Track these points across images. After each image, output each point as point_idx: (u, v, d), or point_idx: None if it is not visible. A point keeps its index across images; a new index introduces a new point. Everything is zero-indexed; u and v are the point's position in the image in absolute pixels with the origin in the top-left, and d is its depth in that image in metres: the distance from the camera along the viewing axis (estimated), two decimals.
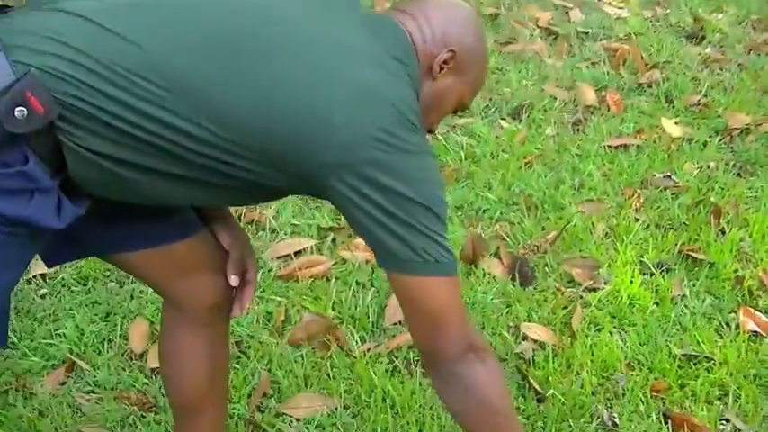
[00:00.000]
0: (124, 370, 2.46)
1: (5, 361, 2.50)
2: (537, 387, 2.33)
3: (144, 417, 2.30)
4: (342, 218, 3.07)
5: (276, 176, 1.42)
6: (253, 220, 3.04)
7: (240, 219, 3.03)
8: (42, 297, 2.73)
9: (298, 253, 2.87)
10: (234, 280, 1.69)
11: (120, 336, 2.55)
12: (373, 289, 2.72)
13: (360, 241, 2.94)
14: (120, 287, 2.75)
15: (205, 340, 1.77)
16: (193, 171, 1.40)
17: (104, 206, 1.51)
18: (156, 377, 2.42)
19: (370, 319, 2.60)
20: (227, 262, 1.70)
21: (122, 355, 2.50)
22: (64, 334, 2.57)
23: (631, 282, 2.68)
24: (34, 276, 2.77)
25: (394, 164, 1.40)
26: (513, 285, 2.72)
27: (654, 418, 2.24)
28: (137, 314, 2.62)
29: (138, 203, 1.51)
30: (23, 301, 2.71)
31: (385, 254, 1.46)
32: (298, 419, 2.29)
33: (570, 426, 2.23)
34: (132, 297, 2.69)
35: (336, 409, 2.31)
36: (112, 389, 2.39)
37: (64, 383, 2.45)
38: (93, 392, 2.41)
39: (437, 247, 1.45)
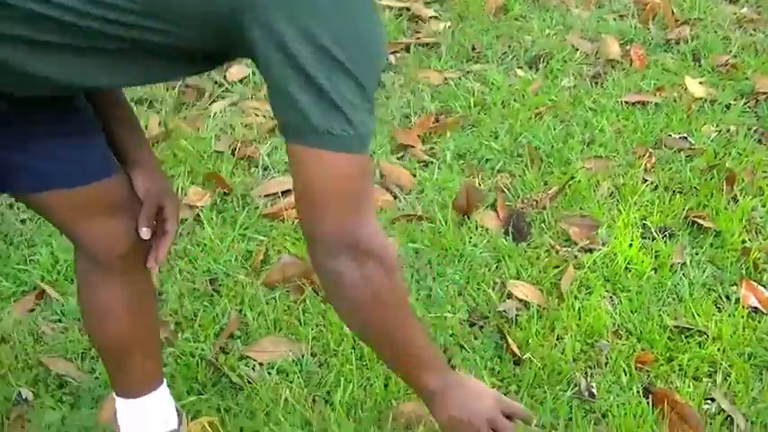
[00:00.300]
0: None
1: None
2: (515, 349, 2.15)
3: None
4: None
5: (175, 31, 1.20)
6: (246, 155, 2.87)
7: (233, 153, 2.87)
8: (22, 222, 2.60)
9: (286, 192, 2.70)
10: (145, 233, 1.51)
11: None
12: None
13: None
14: None
15: (123, 290, 1.60)
16: (79, 38, 1.20)
17: (12, 143, 1.34)
18: None
19: None
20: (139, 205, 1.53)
21: None
22: (38, 260, 2.45)
23: (630, 245, 2.47)
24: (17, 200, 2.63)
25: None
26: (506, 240, 2.53)
27: (635, 391, 2.05)
28: None
29: (19, 95, 1.30)
30: (2, 225, 2.58)
31: (277, 112, 1.24)
32: (261, 363, 2.14)
33: (545, 392, 2.05)
34: None
35: (303, 356, 2.15)
36: (78, 319, 2.24)
37: (32, 311, 2.32)
38: (59, 322, 2.28)
39: (338, 115, 1.20)
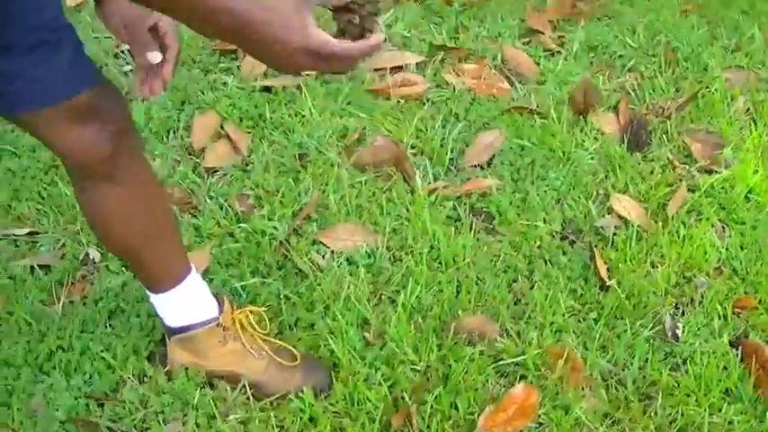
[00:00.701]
0: (179, 163, 2.18)
1: None
2: (603, 272, 1.90)
3: (181, 217, 2.04)
4: (460, 37, 2.63)
5: None
6: None
7: None
8: (125, 74, 2.47)
9: (397, 69, 2.46)
10: (154, 56, 1.29)
11: (185, 127, 2.27)
12: (465, 122, 2.30)
13: (470, 67, 2.50)
14: (205, 75, 2.44)
15: (117, 193, 1.40)
16: None
17: None
18: (206, 178, 2.14)
19: (450, 155, 2.20)
20: (114, 108, 1.33)
21: (183, 149, 2.23)
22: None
23: (756, 172, 2.14)
24: (122, 51, 2.49)
25: None
26: (620, 147, 2.23)
27: (725, 339, 1.78)
28: (211, 107, 2.32)
29: None
30: (106, 75, 2.45)
31: None
32: (332, 251, 1.96)
33: (625, 324, 1.81)
34: (213, 88, 2.39)
35: (377, 248, 1.96)
36: (161, 183, 2.12)
37: None
38: None
39: None
